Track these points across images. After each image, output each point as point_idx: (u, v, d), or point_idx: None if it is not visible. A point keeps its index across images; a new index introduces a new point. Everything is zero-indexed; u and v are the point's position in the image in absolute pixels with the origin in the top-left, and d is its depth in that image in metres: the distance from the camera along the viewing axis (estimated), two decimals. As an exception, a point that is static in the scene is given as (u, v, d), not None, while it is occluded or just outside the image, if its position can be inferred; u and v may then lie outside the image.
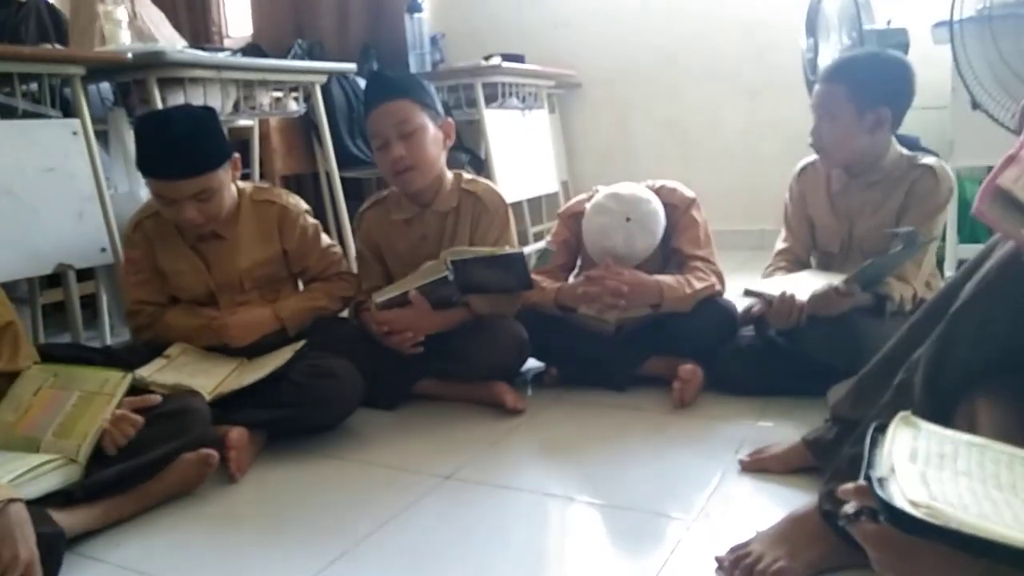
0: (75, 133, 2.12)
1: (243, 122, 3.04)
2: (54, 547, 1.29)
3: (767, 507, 1.39)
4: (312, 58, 3.96)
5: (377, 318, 1.97)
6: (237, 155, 1.93)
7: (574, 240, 2.20)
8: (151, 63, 2.24)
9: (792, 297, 1.79)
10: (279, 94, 2.84)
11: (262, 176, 3.26)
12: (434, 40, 3.77)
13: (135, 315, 2.01)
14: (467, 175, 2.18)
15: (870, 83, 1.85)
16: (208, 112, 1.92)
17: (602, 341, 2.07)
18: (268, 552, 1.39)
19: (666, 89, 4.20)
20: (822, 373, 1.70)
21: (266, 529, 1.48)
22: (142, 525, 1.50)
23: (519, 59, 3.72)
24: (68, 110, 2.16)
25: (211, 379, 1.85)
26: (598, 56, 4.34)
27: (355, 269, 2.26)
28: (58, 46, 2.65)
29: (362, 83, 3.55)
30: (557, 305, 2.06)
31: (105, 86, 2.48)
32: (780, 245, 2.13)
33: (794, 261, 2.10)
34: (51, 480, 1.37)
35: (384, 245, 2.17)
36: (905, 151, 1.94)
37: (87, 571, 1.35)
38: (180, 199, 1.82)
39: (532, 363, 2.18)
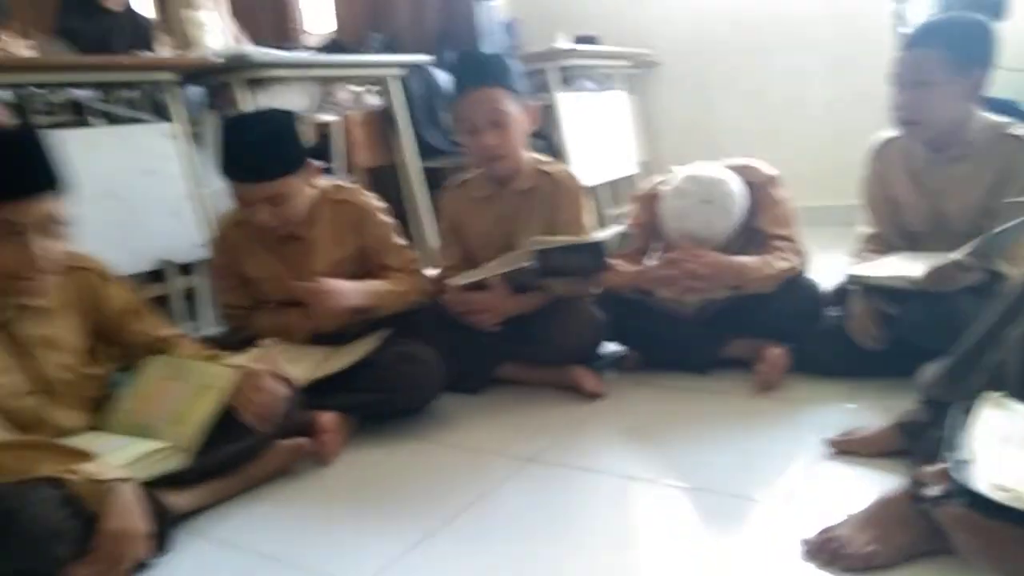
0: (171, 136, 2.24)
1: (326, 117, 3.12)
2: (164, 524, 1.39)
3: (855, 490, 1.36)
4: (389, 51, 4.03)
5: (457, 299, 2.02)
6: (314, 161, 1.96)
7: (651, 222, 2.18)
8: (238, 66, 2.34)
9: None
10: (359, 88, 2.92)
11: (348, 170, 3.34)
12: (508, 26, 3.77)
13: (227, 317, 2.13)
14: (543, 158, 2.20)
15: (965, 44, 1.75)
16: (286, 117, 1.93)
17: (682, 324, 2.06)
18: (360, 529, 1.46)
19: (747, 63, 4.09)
20: (913, 355, 1.63)
21: (357, 508, 1.55)
22: (243, 504, 1.59)
23: (592, 40, 3.68)
24: (164, 114, 2.28)
25: (302, 367, 1.92)
26: (675, 32, 4.26)
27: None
28: (147, 53, 2.79)
29: (438, 74, 3.60)
30: (635, 288, 2.05)
31: (195, 89, 2.60)
32: (865, 230, 2.04)
33: (883, 245, 1.99)
34: (162, 464, 1.46)
35: (463, 224, 2.21)
36: (994, 118, 1.84)
37: (193, 547, 1.44)
38: (254, 201, 1.86)
39: (612, 347, 2.18)
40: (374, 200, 2.11)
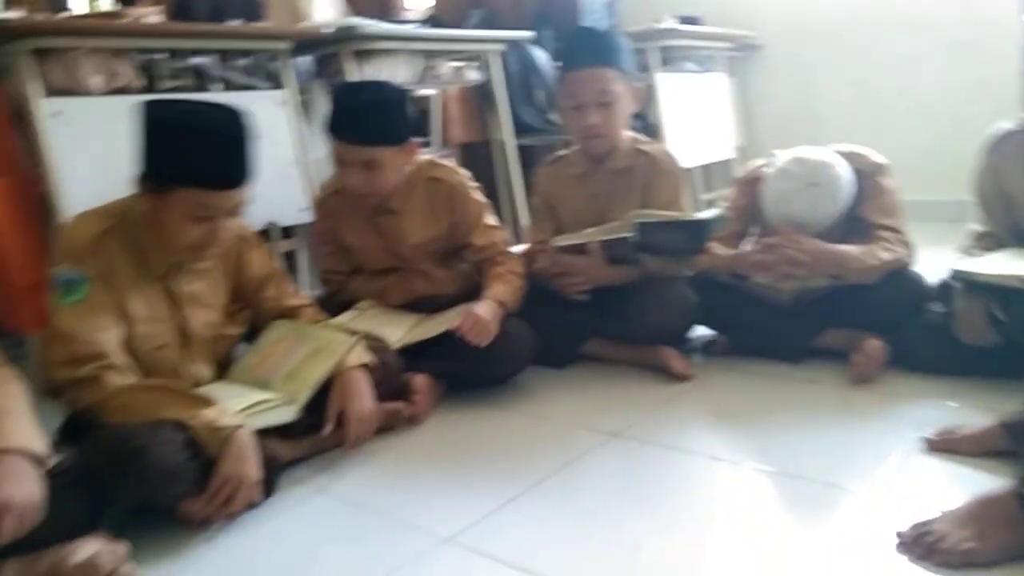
0: (283, 103, 2.33)
1: (425, 91, 3.18)
2: (272, 471, 1.47)
3: (952, 487, 1.33)
4: (487, 28, 4.06)
5: (553, 259, 2.05)
6: (415, 141, 1.99)
7: (751, 206, 2.14)
8: (346, 37, 2.41)
9: None
10: (459, 64, 2.96)
11: (444, 144, 3.41)
12: (609, 4, 3.75)
13: (326, 282, 2.21)
14: (642, 137, 2.20)
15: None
16: (399, 92, 1.97)
17: (776, 311, 2.03)
18: (448, 488, 1.51)
19: (855, 47, 3.94)
20: (1020, 356, 1.57)
21: (446, 468, 1.61)
22: (343, 455, 1.66)
23: (695, 21, 3.62)
24: (275, 82, 2.37)
25: (397, 330, 1.99)
26: (779, 14, 4.14)
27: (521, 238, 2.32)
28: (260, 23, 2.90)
29: (536, 51, 3.61)
30: (730, 272, 2.03)
31: (303, 59, 2.69)
32: (977, 228, 1.94)
33: (994, 244, 1.89)
34: (274, 415, 1.55)
35: (557, 200, 2.23)
36: None
37: (295, 494, 1.53)
38: (349, 162, 1.91)
39: (700, 330, 2.17)
40: (468, 179, 2.12)
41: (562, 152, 2.29)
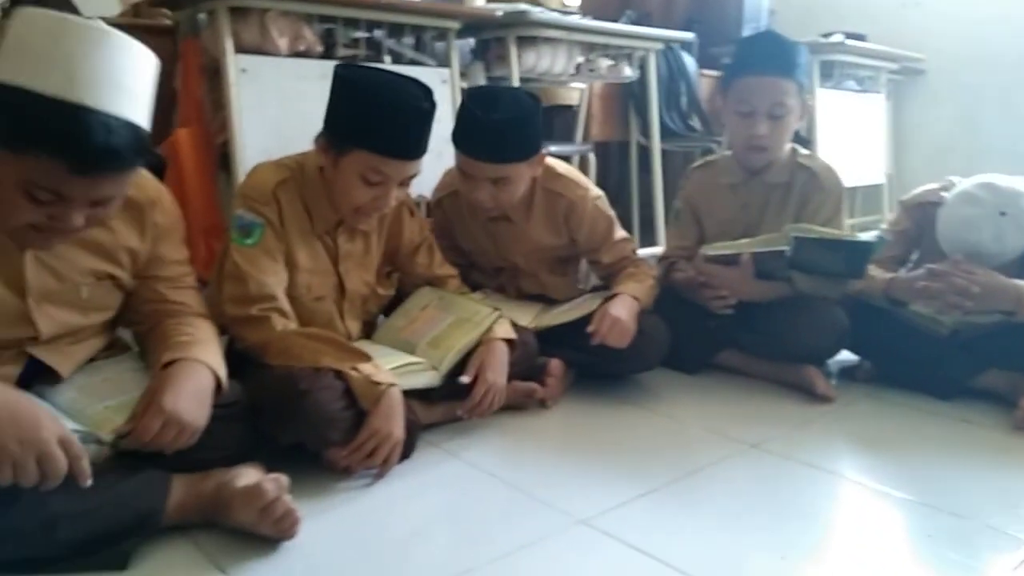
0: (444, 81, 2.39)
1: (575, 85, 3.19)
2: (412, 431, 1.51)
3: None
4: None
5: (701, 268, 2.00)
6: (545, 152, 1.89)
7: (915, 231, 2.05)
8: (514, 22, 2.44)
9: None
10: (613, 60, 2.95)
11: (584, 140, 3.40)
12: (771, 13, 3.65)
13: None
14: (803, 150, 2.12)
15: None
16: (534, 103, 1.83)
17: (933, 343, 1.92)
18: (582, 472, 1.51)
19: (1028, 80, 3.70)
20: None
21: (579, 453, 1.60)
22: (474, 426, 1.70)
23: (861, 38, 3.48)
24: (440, 60, 2.43)
25: (524, 315, 2.00)
26: (947, 40, 3.94)
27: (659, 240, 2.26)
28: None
29: (685, 57, 3.56)
30: (887, 297, 1.93)
31: (461, 41, 2.73)
32: None
33: None
34: (419, 379, 1.59)
35: (704, 208, 2.17)
36: None
37: (430, 457, 1.56)
38: (479, 179, 1.82)
39: (843, 354, 2.08)
40: (588, 191, 1.98)
41: (713, 157, 2.24)
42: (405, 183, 1.57)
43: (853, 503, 1.44)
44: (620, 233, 2.05)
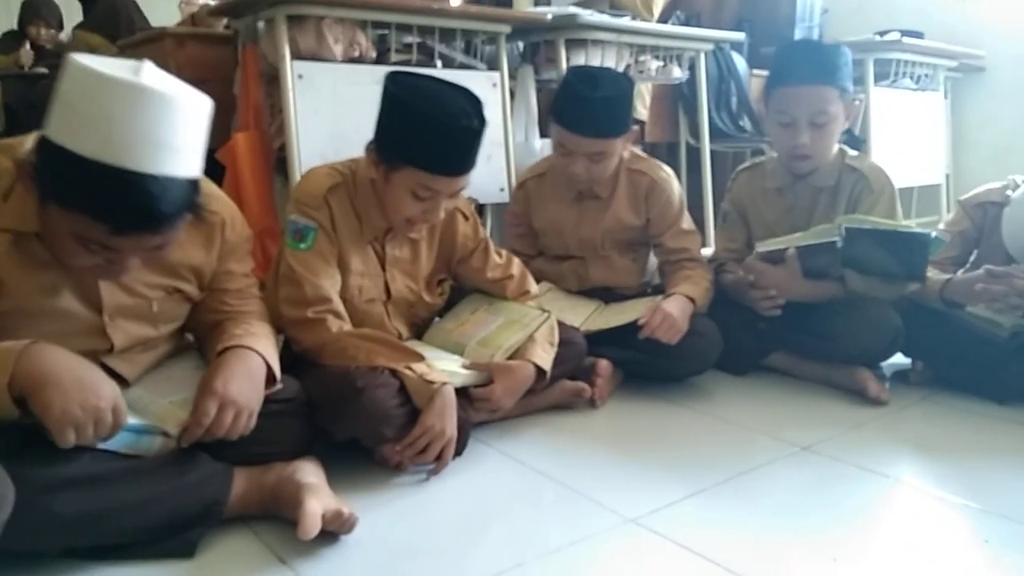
0: (494, 85, 2.42)
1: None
2: (464, 429, 1.54)
3: None
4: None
5: (750, 265, 2.00)
6: (636, 127, 2.01)
7: (974, 232, 2.01)
8: (564, 25, 2.46)
9: None
10: (663, 61, 2.94)
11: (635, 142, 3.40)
12: (824, 13, 3.60)
13: None
14: (851, 151, 2.09)
15: None
16: (629, 81, 1.99)
17: (991, 345, 1.87)
18: (631, 472, 1.52)
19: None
20: None
21: (628, 453, 1.61)
22: (523, 425, 1.73)
23: (918, 35, 3.41)
24: (490, 63, 2.46)
25: (578, 315, 2.02)
26: (1009, 37, 3.82)
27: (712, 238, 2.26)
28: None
29: (735, 57, 3.53)
30: (943, 299, 1.90)
31: (510, 44, 2.75)
32: None
33: None
34: (469, 377, 1.62)
35: (751, 210, 2.16)
36: None
37: (481, 454, 1.59)
38: (577, 153, 1.93)
39: (896, 357, 2.05)
40: (671, 177, 2.10)
41: (760, 159, 2.23)
42: (454, 195, 1.59)
43: (907, 507, 1.42)
44: (689, 223, 2.12)
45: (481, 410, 1.63)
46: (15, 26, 4.52)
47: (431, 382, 1.46)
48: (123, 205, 1.03)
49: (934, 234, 1.94)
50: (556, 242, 2.16)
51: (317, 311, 1.53)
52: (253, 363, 1.30)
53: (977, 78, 4.00)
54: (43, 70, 3.90)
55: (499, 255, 1.87)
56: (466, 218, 1.81)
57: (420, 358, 1.51)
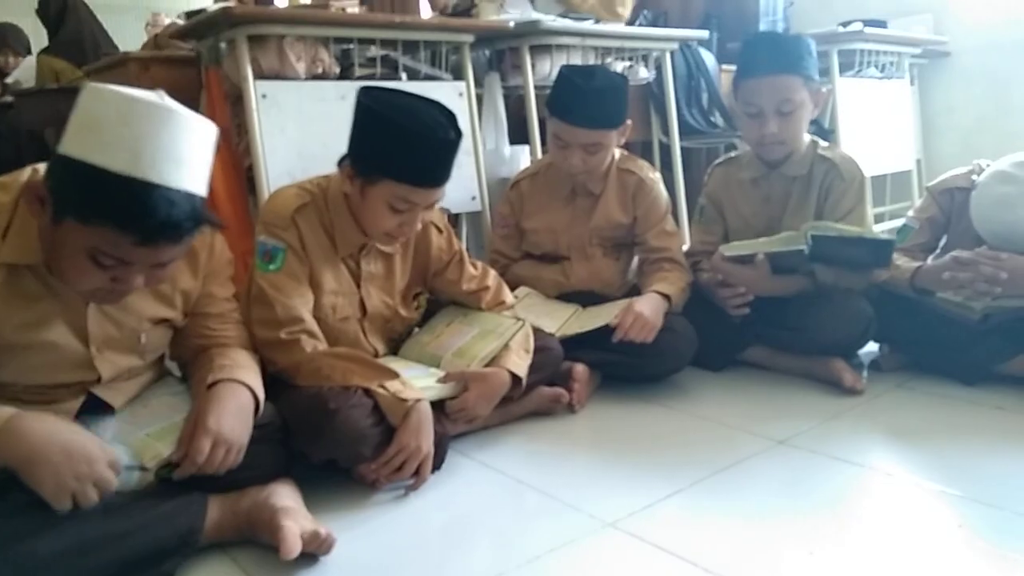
0: (460, 94, 2.42)
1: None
2: (442, 443, 1.54)
3: None
4: (656, 27, 4.03)
5: (717, 266, 2.02)
6: (629, 122, 2.02)
7: (942, 218, 2.03)
8: (527, 31, 2.47)
9: None
10: (629, 62, 2.96)
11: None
12: (788, 6, 3.63)
13: (493, 263, 2.24)
14: (823, 142, 2.11)
15: None
16: (623, 78, 2.05)
17: (963, 329, 1.90)
18: (610, 475, 1.52)
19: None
20: None
21: (606, 456, 1.62)
22: (502, 434, 1.73)
23: (882, 24, 3.44)
24: (455, 73, 2.46)
25: (555, 320, 2.03)
26: (972, 20, 3.86)
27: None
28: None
29: (704, 54, 3.54)
30: (913, 287, 1.92)
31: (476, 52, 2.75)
32: None
33: None
34: (444, 389, 1.61)
35: (727, 203, 2.18)
36: None
37: (459, 466, 1.59)
38: (574, 145, 1.96)
39: (869, 345, 2.07)
40: (660, 182, 2.14)
41: (734, 153, 2.25)
42: (431, 207, 1.60)
43: (882, 495, 1.43)
44: (672, 226, 2.15)
45: (458, 420, 1.63)
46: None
47: (404, 400, 1.46)
48: (150, 215, 1.07)
49: (902, 223, 1.97)
50: (547, 240, 2.17)
51: (290, 332, 1.53)
52: (244, 398, 1.31)
53: (943, 63, 4.04)
54: (8, 99, 3.87)
55: (474, 267, 1.87)
56: (440, 231, 1.81)
57: (394, 375, 1.51)
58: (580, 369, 1.89)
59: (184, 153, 1.11)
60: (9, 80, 4.10)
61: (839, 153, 2.09)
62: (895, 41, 3.48)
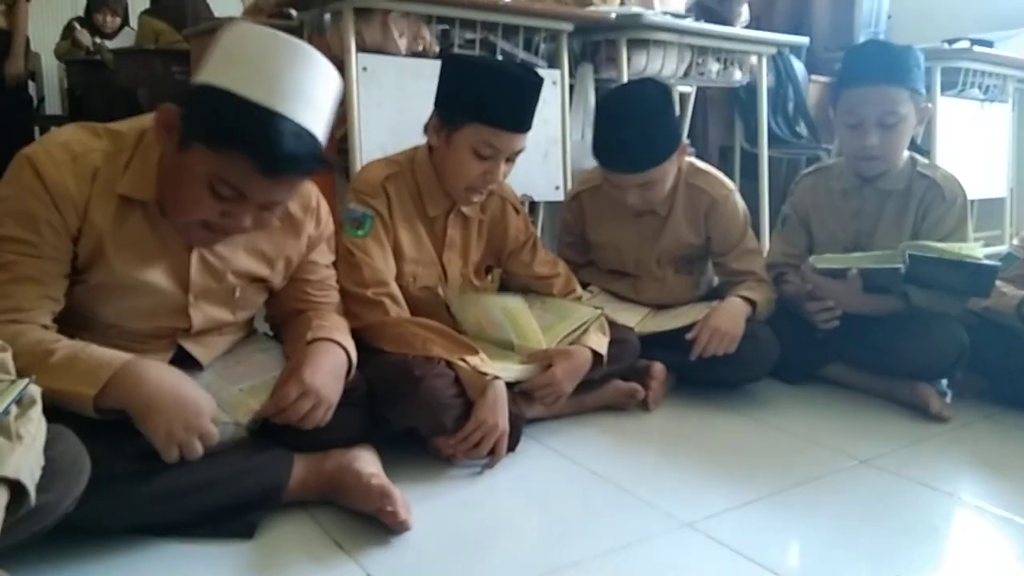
0: (554, 83, 2.41)
1: (684, 88, 3.16)
2: (516, 425, 1.54)
3: None
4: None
5: (808, 277, 1.95)
6: (687, 142, 1.95)
7: (1048, 246, 1.95)
8: (627, 24, 2.44)
9: None
10: (721, 65, 2.90)
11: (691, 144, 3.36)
12: (888, 18, 3.52)
13: None
14: (922, 159, 2.04)
15: None
16: (663, 97, 1.84)
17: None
18: (686, 477, 1.50)
19: None
20: None
21: (681, 457, 1.60)
22: (575, 424, 1.72)
23: (988, 44, 3.31)
24: (551, 61, 2.45)
25: (630, 317, 2.00)
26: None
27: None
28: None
29: (794, 61, 3.46)
30: (1020, 315, 1.84)
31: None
32: None
33: None
34: (522, 371, 1.62)
35: (814, 214, 2.10)
36: None
37: (532, 451, 1.59)
38: (627, 186, 1.87)
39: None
40: (732, 190, 2.02)
41: (826, 163, 2.19)
42: (512, 158, 1.64)
43: (969, 526, 1.38)
44: (752, 241, 2.06)
45: (544, 397, 1.63)
46: (81, 13, 4.65)
47: (484, 374, 1.47)
48: (277, 145, 1.10)
49: (1005, 252, 1.89)
50: (613, 257, 2.12)
51: (376, 292, 1.57)
52: (339, 359, 1.34)
53: (1047, 90, 3.88)
54: (108, 55, 3.99)
55: (547, 254, 1.89)
56: (517, 212, 1.83)
57: (475, 351, 1.52)
58: (659, 368, 1.86)
59: (316, 95, 1.15)
60: (106, 43, 4.23)
61: (941, 172, 2.01)
62: (1003, 63, 3.34)
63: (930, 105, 1.97)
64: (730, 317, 1.85)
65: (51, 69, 5.08)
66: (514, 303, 1.74)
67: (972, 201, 3.56)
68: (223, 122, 1.10)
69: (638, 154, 1.82)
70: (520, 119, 1.59)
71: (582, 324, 1.73)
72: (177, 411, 1.11)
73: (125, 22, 4.57)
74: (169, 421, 1.10)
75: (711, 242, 2.04)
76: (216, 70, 1.13)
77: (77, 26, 4.42)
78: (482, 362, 1.51)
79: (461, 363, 1.48)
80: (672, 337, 1.90)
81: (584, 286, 2.06)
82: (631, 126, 1.80)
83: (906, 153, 2.01)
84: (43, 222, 1.15)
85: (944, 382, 2.04)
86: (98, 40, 4.26)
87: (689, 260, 2.10)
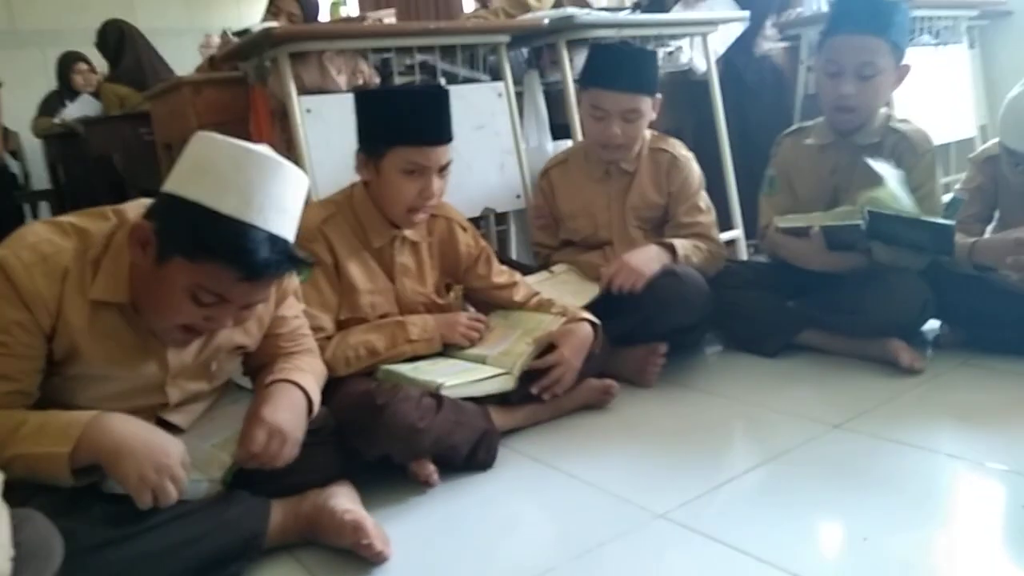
0: (500, 94, 2.44)
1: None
2: (491, 439, 1.57)
3: None
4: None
5: (773, 238, 2.03)
6: (660, 96, 2.07)
7: (990, 185, 1.97)
8: (562, 27, 2.47)
9: None
10: (670, 49, 2.92)
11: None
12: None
13: (535, 254, 2.34)
14: (897, 115, 2.06)
15: None
16: (653, 52, 2.14)
17: (1022, 302, 1.83)
18: (660, 466, 1.53)
19: None
20: None
21: (656, 446, 1.62)
22: (551, 428, 1.75)
23: (936, -11, 3.31)
24: (494, 74, 2.48)
25: (580, 299, 2.00)
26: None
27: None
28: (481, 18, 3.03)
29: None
30: (973, 263, 1.86)
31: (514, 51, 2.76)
32: None
33: None
34: (495, 384, 1.65)
35: (795, 173, 2.13)
36: None
37: (510, 462, 1.61)
38: (613, 114, 1.99)
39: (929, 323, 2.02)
40: (692, 159, 2.15)
41: (805, 123, 2.21)
42: (442, 172, 1.69)
43: (941, 478, 1.40)
44: (704, 201, 2.15)
45: (560, 380, 1.70)
46: (54, 86, 4.71)
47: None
48: (256, 255, 1.16)
49: (951, 196, 1.91)
50: (586, 224, 2.18)
51: (316, 337, 1.60)
52: (295, 396, 1.38)
53: (1005, 23, 3.87)
54: (79, 128, 4.04)
55: (501, 265, 1.95)
56: (464, 229, 1.88)
57: (407, 324, 1.69)
58: (661, 345, 1.92)
59: (286, 203, 1.21)
60: (64, 118, 4.25)
61: (911, 126, 2.02)
62: (951, 5, 3.34)
63: (909, 65, 1.98)
64: (644, 257, 1.93)
65: (34, 145, 5.15)
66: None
67: (947, 144, 3.62)
68: (201, 237, 1.15)
69: (636, 74, 1.99)
70: (436, 132, 1.66)
71: (548, 331, 1.76)
72: (147, 454, 1.14)
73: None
74: (139, 464, 1.13)
75: (670, 198, 2.13)
76: (187, 182, 1.18)
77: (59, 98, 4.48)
78: (424, 330, 1.70)
79: (407, 347, 1.68)
80: (612, 305, 1.92)
81: (547, 267, 2.17)
82: (634, 52, 2.04)
83: (883, 110, 2.03)
84: (14, 324, 1.18)
85: (930, 337, 2.05)
86: (62, 118, 4.29)
87: (657, 224, 2.17)
